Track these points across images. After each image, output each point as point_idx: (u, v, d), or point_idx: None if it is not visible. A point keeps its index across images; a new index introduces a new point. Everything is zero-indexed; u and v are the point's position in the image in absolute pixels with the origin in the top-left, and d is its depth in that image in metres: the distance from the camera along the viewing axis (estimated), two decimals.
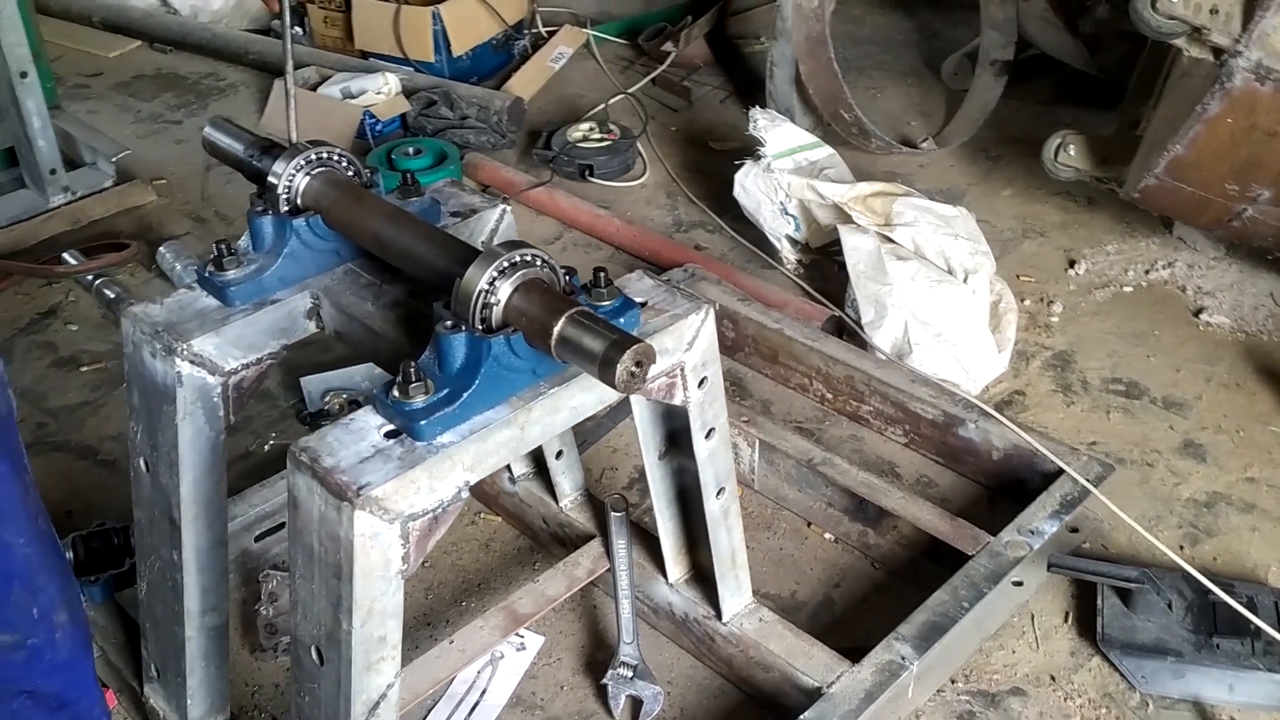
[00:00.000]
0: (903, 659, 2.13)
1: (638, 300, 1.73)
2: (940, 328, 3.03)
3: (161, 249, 3.61)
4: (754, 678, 2.24)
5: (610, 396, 1.69)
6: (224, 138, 1.95)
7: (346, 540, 1.45)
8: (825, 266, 3.56)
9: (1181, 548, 2.57)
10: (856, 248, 3.19)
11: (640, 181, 4.14)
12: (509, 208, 2.06)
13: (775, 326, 3.07)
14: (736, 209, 3.71)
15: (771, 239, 3.50)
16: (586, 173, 4.09)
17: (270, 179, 1.80)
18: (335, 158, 1.83)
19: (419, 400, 1.51)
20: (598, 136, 4.16)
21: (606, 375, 1.44)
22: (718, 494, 2.03)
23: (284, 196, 1.80)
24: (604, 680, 2.25)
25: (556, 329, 1.47)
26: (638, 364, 1.44)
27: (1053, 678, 2.30)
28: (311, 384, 3.03)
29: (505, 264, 1.53)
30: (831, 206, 3.37)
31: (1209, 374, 3.12)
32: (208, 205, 4.04)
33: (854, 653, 2.21)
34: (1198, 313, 3.35)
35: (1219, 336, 3.26)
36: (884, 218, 3.26)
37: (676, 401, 1.84)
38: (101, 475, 2.88)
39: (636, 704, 2.24)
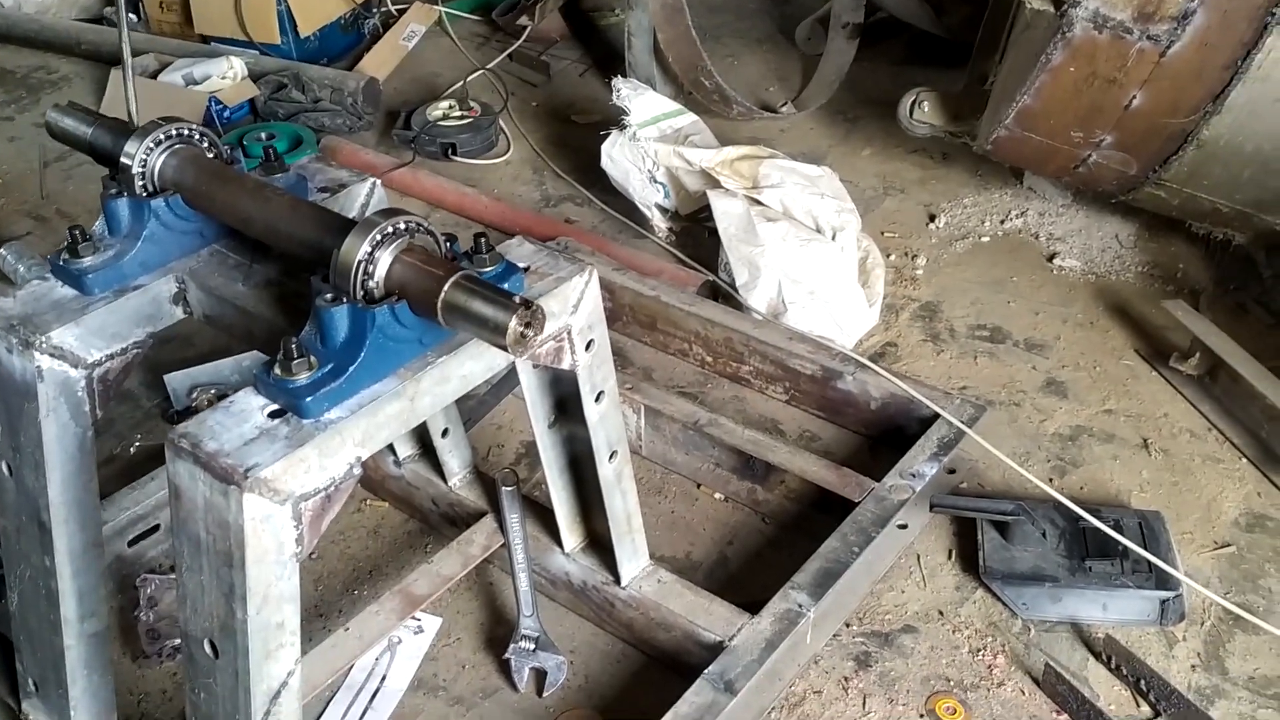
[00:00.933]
0: (799, 606, 2.17)
1: (520, 265, 1.71)
2: (813, 285, 3.08)
3: (2, 250, 3.41)
4: (655, 639, 2.25)
5: (499, 363, 1.66)
6: (70, 121, 1.86)
7: (236, 525, 1.40)
8: (696, 233, 3.58)
9: (1051, 480, 2.67)
10: (726, 211, 3.22)
11: (505, 158, 4.10)
12: (379, 181, 2.01)
13: (652, 294, 3.08)
14: (604, 181, 3.71)
15: (642, 208, 3.50)
16: (449, 151, 4.03)
17: (123, 160, 1.71)
18: (191, 134, 1.76)
19: (303, 377, 1.46)
20: (458, 115, 4.10)
21: (497, 338, 1.42)
22: (610, 457, 2.03)
23: (139, 177, 1.71)
24: (506, 655, 2.23)
25: (443, 295, 1.45)
26: (527, 325, 1.42)
27: (940, 613, 2.37)
28: (176, 380, 2.91)
29: (384, 232, 1.49)
30: (699, 172, 3.39)
31: (1065, 315, 3.25)
32: (48, 203, 3.84)
33: (753, 606, 2.24)
34: (1051, 258, 3.48)
35: (1072, 279, 3.40)
36: (751, 181, 3.30)
37: (565, 365, 1.82)
38: None
39: (540, 675, 2.23)
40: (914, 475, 2.47)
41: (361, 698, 2.20)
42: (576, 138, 4.15)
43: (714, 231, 3.55)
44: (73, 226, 1.69)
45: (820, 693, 2.21)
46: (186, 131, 1.75)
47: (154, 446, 2.85)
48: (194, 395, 2.88)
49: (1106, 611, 2.34)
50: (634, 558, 2.23)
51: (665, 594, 2.22)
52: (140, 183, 1.71)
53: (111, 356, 1.70)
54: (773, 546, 2.55)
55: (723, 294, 3.23)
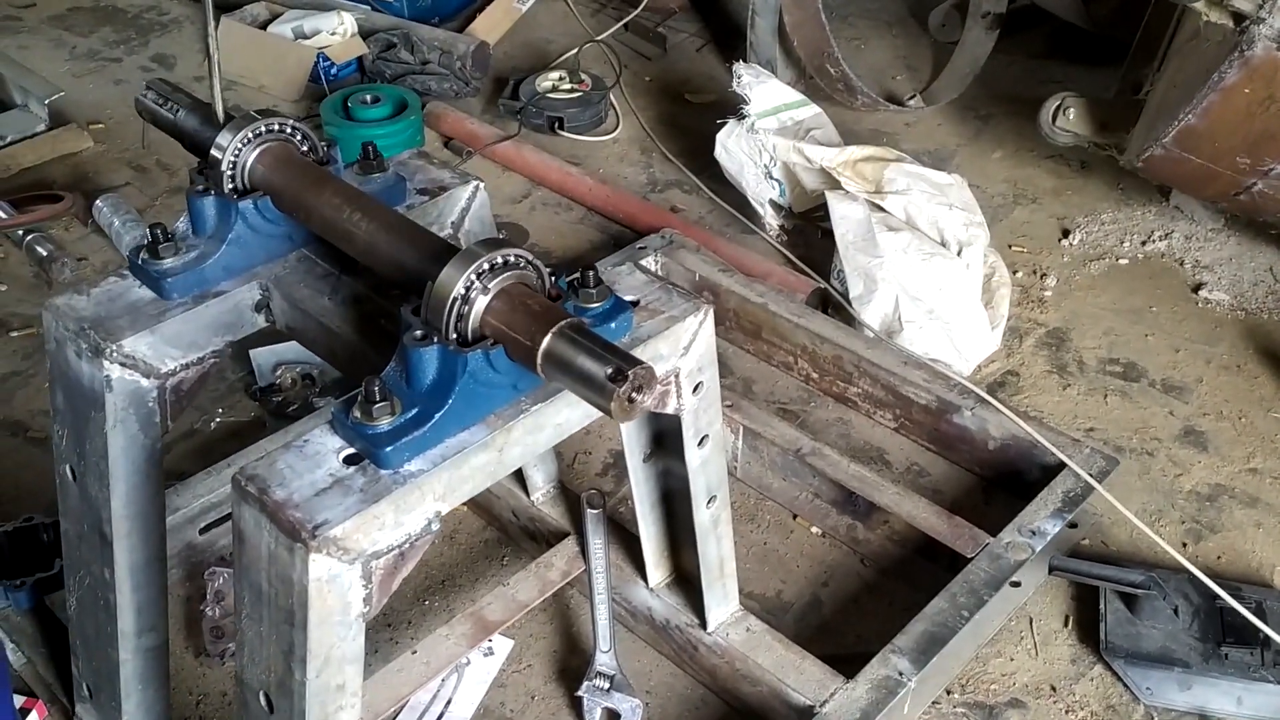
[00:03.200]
0: (900, 674, 1.99)
1: (629, 299, 1.55)
2: (932, 304, 2.86)
3: (98, 202, 3.35)
4: (740, 690, 2.09)
5: (598, 412, 1.50)
6: (156, 101, 1.73)
7: (300, 585, 1.27)
8: (809, 233, 3.38)
9: (1184, 545, 2.45)
10: (845, 216, 3.01)
11: (613, 136, 3.92)
12: (482, 184, 1.86)
13: (759, 300, 2.89)
14: (715, 167, 3.52)
15: (754, 204, 3.31)
16: (556, 125, 3.87)
17: (214, 153, 1.58)
18: (287, 129, 1.62)
19: (384, 423, 1.32)
20: (568, 87, 3.92)
21: (602, 401, 1.25)
22: (708, 503, 1.87)
23: (229, 175, 1.58)
24: (579, 692, 2.09)
25: (543, 346, 1.29)
26: (637, 390, 1.25)
27: (1053, 688, 2.17)
28: (261, 357, 2.82)
29: (484, 266, 1.33)
30: (818, 171, 3.18)
31: (1209, 355, 2.99)
32: (149, 153, 3.77)
33: (845, 661, 2.08)
34: (1196, 289, 3.21)
35: (1218, 314, 3.13)
36: (874, 184, 3.08)
37: (669, 410, 1.66)
38: (31, 454, 2.66)
39: (613, 717, 2.09)
40: (1034, 533, 2.26)
41: None
42: (689, 118, 3.95)
43: (828, 233, 3.34)
44: (154, 225, 1.57)
45: None
46: (281, 127, 1.60)
47: (235, 423, 2.76)
48: (278, 373, 2.79)
49: (1241, 706, 2.12)
50: (723, 602, 2.07)
51: (753, 645, 2.06)
52: (230, 182, 1.58)
53: (186, 366, 1.58)
54: (871, 592, 2.37)
55: (833, 304, 3.03)
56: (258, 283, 1.62)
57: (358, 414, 1.32)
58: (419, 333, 1.34)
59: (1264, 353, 2.99)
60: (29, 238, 3.22)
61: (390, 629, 2.28)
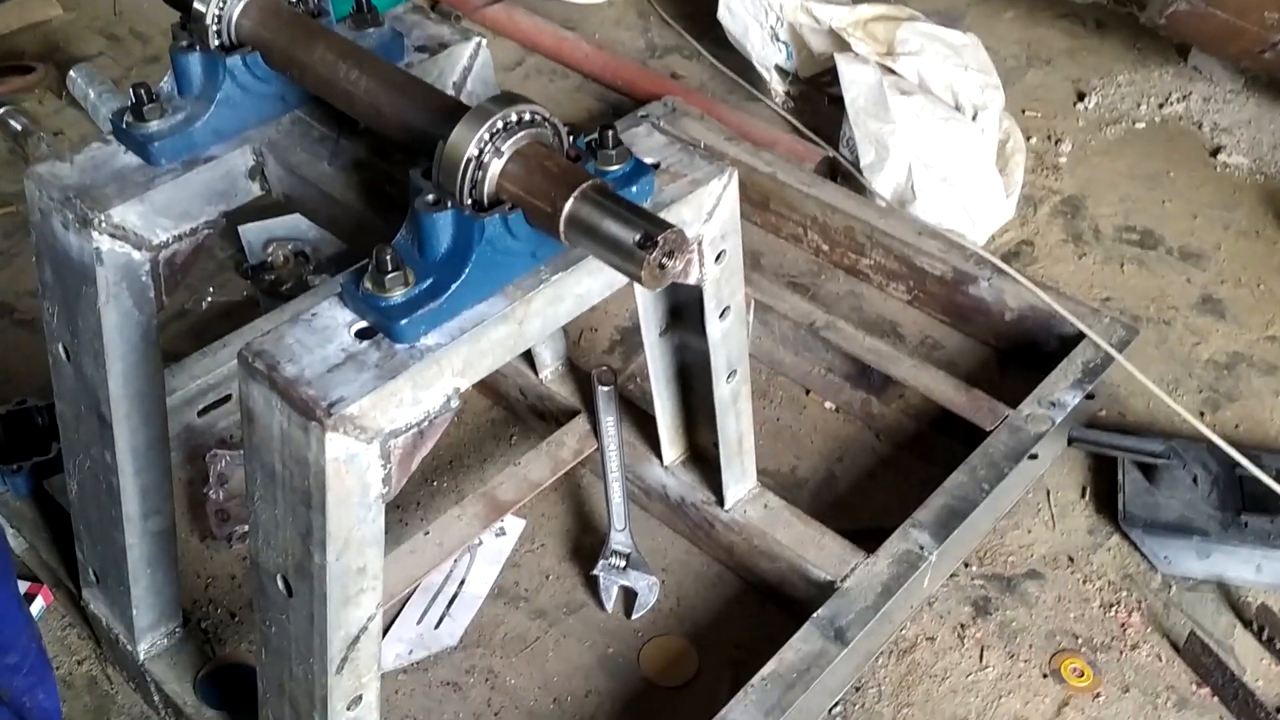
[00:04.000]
0: (921, 548, 1.96)
1: (649, 161, 1.45)
2: (946, 172, 2.77)
3: (72, 72, 3.20)
4: (757, 567, 2.06)
5: (622, 280, 1.42)
6: None
7: (317, 465, 1.20)
8: (815, 100, 3.26)
9: (1202, 414, 2.41)
10: (855, 80, 2.89)
11: None
12: (485, 41, 1.74)
13: (767, 170, 2.79)
14: (715, 32, 3.37)
15: (759, 68, 3.17)
16: None
17: (197, 5, 1.46)
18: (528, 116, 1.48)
19: (398, 294, 1.24)
20: None
21: (631, 268, 1.17)
22: (729, 377, 1.81)
23: (214, 29, 1.46)
24: (595, 571, 2.06)
25: (566, 209, 1.20)
26: (668, 255, 1.17)
27: (1070, 559, 2.15)
28: (252, 233, 2.72)
29: (499, 124, 1.23)
30: (827, 32, 3.04)
31: (1227, 221, 2.91)
32: (121, 20, 3.60)
33: (862, 535, 2.04)
34: (1215, 152, 3.11)
35: (1237, 179, 3.04)
36: (886, 46, 2.94)
37: (691, 280, 1.58)
38: (19, 337, 2.58)
39: (630, 595, 2.06)
40: (1053, 405, 2.21)
41: (439, 602, 2.06)
42: None
43: (835, 99, 3.22)
44: (137, 85, 1.45)
45: (933, 639, 2.03)
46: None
47: (228, 303, 2.68)
48: (269, 249, 2.69)
49: (1260, 574, 2.10)
50: (741, 480, 2.02)
51: (772, 521, 2.03)
52: (216, 38, 1.46)
53: (179, 238, 1.49)
54: (886, 467, 2.34)
55: (842, 173, 2.93)
56: (250, 147, 1.52)
57: (369, 285, 1.24)
58: (431, 197, 1.25)
59: None
60: (1, 111, 3.07)
61: (399, 510, 2.24)
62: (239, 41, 1.48)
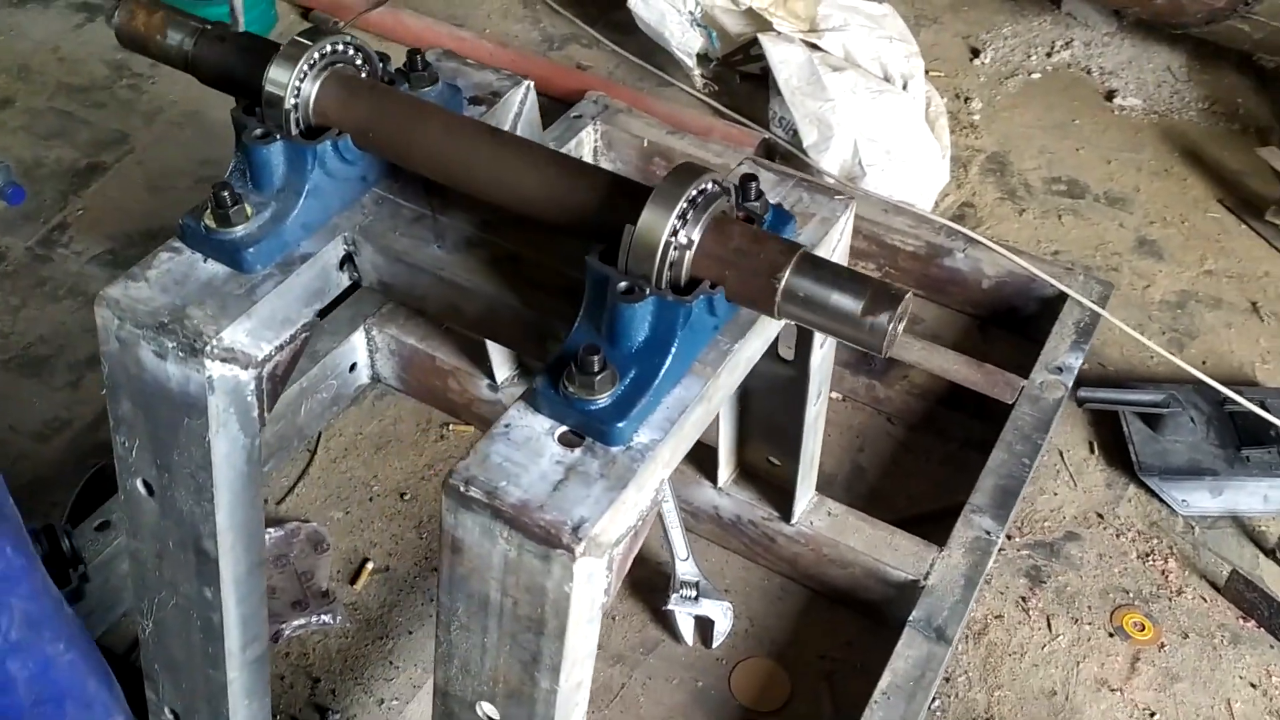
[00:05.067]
0: (988, 533, 2.00)
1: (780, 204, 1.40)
2: (889, 144, 2.80)
3: None
4: (826, 574, 2.06)
5: (774, 332, 1.37)
6: (154, 25, 1.41)
7: (558, 592, 1.11)
8: (728, 79, 3.23)
9: (1171, 355, 2.54)
10: (786, 60, 2.87)
11: None
12: (532, 84, 1.63)
13: (719, 162, 2.74)
14: (610, 16, 3.31)
15: (679, 55, 3.11)
16: None
17: (269, 89, 1.30)
18: (349, 49, 1.35)
19: (605, 396, 1.15)
20: None
21: (866, 338, 1.13)
22: (817, 399, 1.78)
23: (294, 114, 1.31)
24: (669, 605, 2.01)
25: (784, 284, 1.14)
26: (900, 319, 1.13)
27: (1100, 515, 2.25)
28: None
29: (691, 201, 1.16)
30: (745, 13, 3.01)
31: (1138, 163, 3.07)
32: None
33: (910, 524, 2.08)
34: (1109, 96, 3.27)
35: (1135, 120, 3.20)
36: (808, 22, 2.95)
37: (780, 320, 1.54)
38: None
39: (704, 623, 2.03)
40: (1061, 369, 2.29)
41: None
42: None
43: (748, 77, 3.22)
44: (219, 185, 1.29)
45: (1001, 617, 2.08)
46: (338, 46, 1.34)
47: None
48: None
49: (1268, 503, 2.26)
50: (807, 492, 2.01)
51: (840, 529, 2.03)
52: (297, 124, 1.31)
53: (280, 348, 1.34)
54: (906, 450, 2.37)
55: (781, 154, 2.92)
56: (341, 237, 1.38)
57: (574, 389, 1.15)
58: (623, 285, 1.16)
59: (1186, 154, 3.09)
60: None
61: (436, 572, 2.11)
62: (319, 123, 1.33)
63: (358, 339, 2.33)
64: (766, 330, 1.33)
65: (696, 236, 1.17)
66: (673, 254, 1.15)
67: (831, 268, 1.16)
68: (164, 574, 1.47)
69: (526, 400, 1.19)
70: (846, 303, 1.13)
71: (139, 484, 1.40)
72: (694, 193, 1.16)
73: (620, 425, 1.15)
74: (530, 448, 1.15)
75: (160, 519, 1.41)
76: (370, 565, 2.13)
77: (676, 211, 1.14)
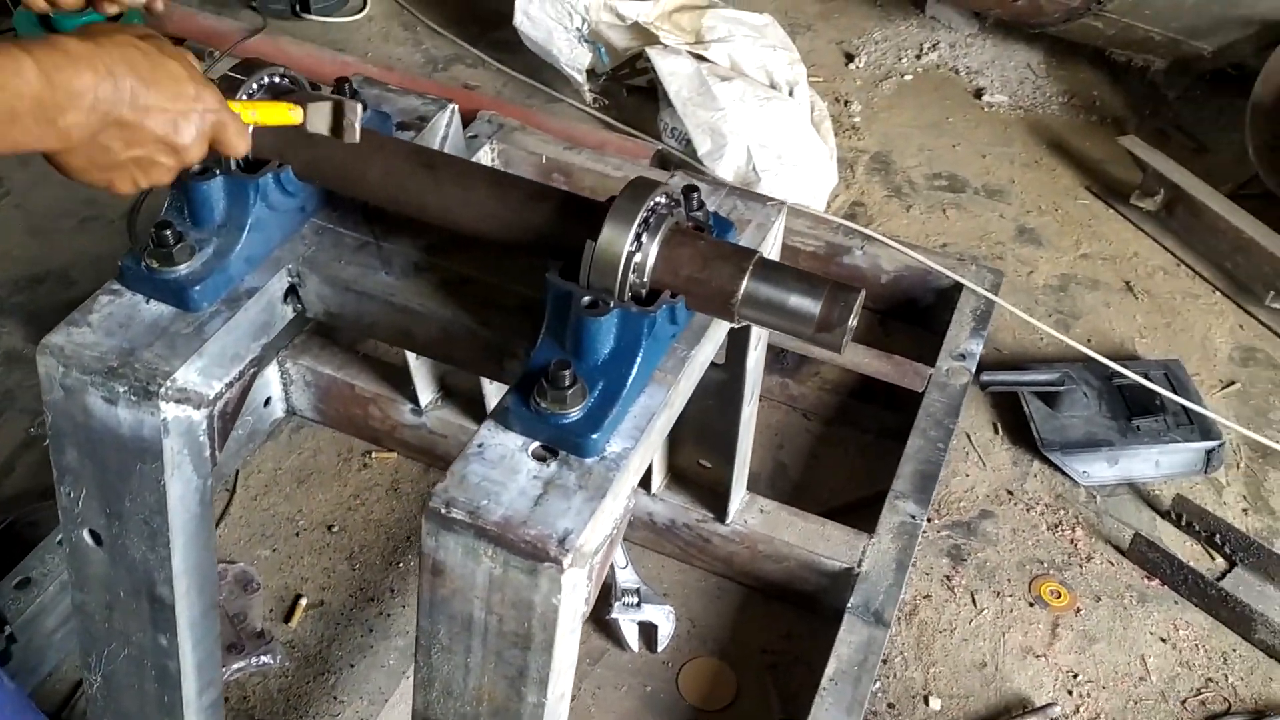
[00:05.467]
0: (913, 516, 2.08)
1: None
2: (780, 149, 2.88)
3: None
4: (761, 570, 2.11)
5: (723, 334, 1.42)
6: None
7: (546, 605, 1.13)
8: (614, 93, 3.27)
9: (1060, 336, 2.68)
10: (674, 72, 2.93)
11: (365, 14, 3.57)
12: (456, 107, 1.64)
13: (619, 174, 2.78)
14: (492, 35, 3.33)
15: (569, 71, 3.14)
16: (299, 8, 3.45)
17: None
18: (285, 80, 1.35)
19: (576, 410, 1.17)
20: None
21: (828, 338, 1.18)
22: (750, 399, 1.83)
23: None
24: (612, 614, 2.03)
25: (743, 290, 1.18)
26: (853, 315, 1.19)
27: (1009, 492, 2.36)
28: None
29: (647, 217, 1.19)
30: (631, 27, 3.06)
31: (1010, 156, 3.22)
32: None
33: (837, 515, 2.15)
34: (978, 94, 3.43)
35: (1004, 116, 3.36)
36: (694, 34, 3.01)
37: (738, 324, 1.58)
38: None
39: (648, 628, 2.05)
40: (964, 356, 2.40)
41: None
42: None
43: (635, 90, 3.27)
44: (160, 224, 1.26)
45: (929, 597, 2.17)
46: (275, 77, 1.33)
47: None
48: None
49: (1159, 468, 2.40)
50: (739, 491, 2.06)
51: (774, 524, 2.08)
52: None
53: (230, 385, 1.32)
54: (825, 444, 2.44)
55: (675, 164, 2.98)
56: (285, 269, 1.37)
57: (546, 404, 1.17)
58: (588, 300, 1.19)
59: (1053, 146, 3.26)
60: None
61: (375, 603, 2.10)
62: (257, 155, 1.32)
63: (271, 372, 2.29)
64: (717, 334, 1.38)
65: (655, 248, 1.20)
66: (634, 266, 1.19)
67: (786, 270, 1.21)
68: (114, 625, 1.43)
69: (496, 419, 1.20)
70: (805, 304, 1.18)
71: (85, 535, 1.36)
72: (650, 206, 1.20)
73: (594, 436, 1.17)
74: (506, 465, 1.17)
75: (110, 568, 1.38)
76: (304, 601, 2.10)
77: (635, 225, 1.18)
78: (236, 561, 2.13)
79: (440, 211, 1.29)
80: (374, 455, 2.33)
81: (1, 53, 0.89)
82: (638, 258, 1.18)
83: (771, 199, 1.53)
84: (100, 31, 1.04)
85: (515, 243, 1.27)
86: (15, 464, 2.27)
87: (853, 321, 1.19)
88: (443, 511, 1.13)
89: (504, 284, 1.34)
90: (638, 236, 1.18)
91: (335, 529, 2.21)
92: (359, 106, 1.22)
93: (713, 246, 1.21)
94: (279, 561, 2.16)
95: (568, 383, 1.16)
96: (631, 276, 1.19)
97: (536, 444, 1.19)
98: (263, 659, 1.98)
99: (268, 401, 2.32)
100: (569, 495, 1.15)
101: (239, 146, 1.14)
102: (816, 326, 1.18)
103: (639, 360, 1.20)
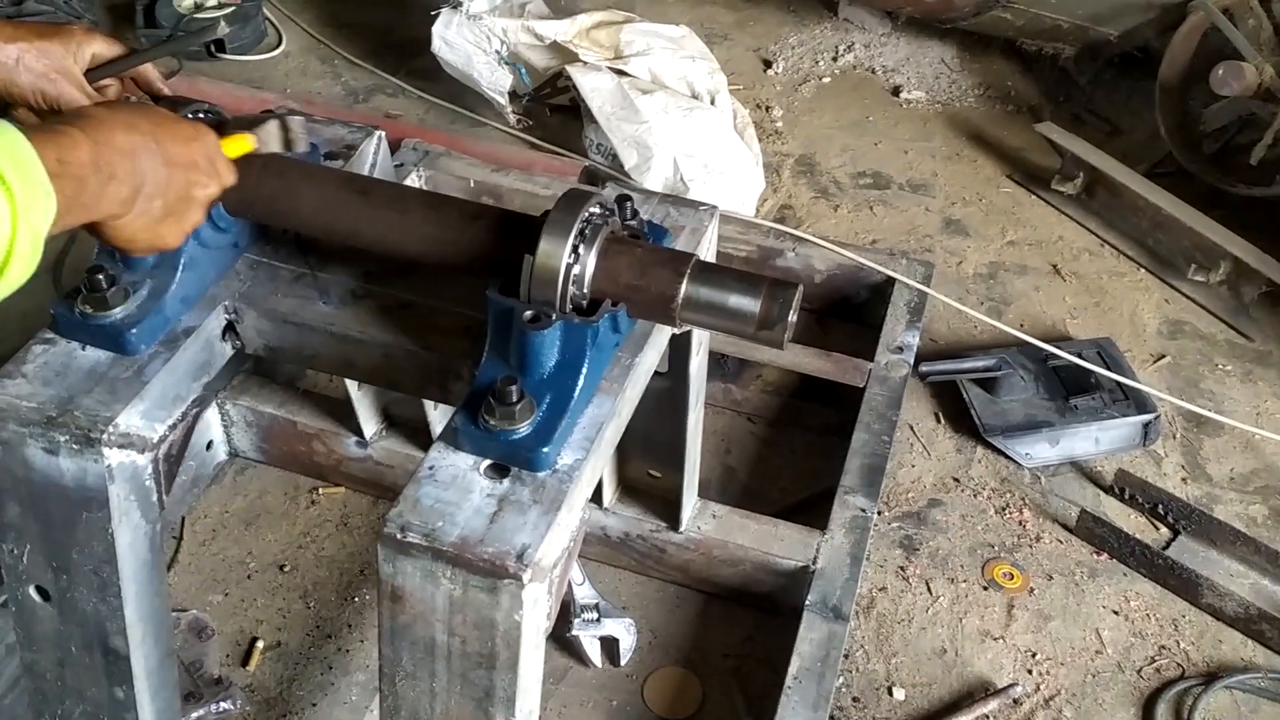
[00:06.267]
0: (863, 510, 2.11)
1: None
2: (706, 158, 2.91)
3: None
4: (717, 576, 2.12)
5: (665, 341, 1.43)
6: None
7: (509, 623, 1.13)
8: (537, 113, 3.28)
9: (993, 322, 2.73)
10: (596, 88, 2.95)
11: (281, 50, 3.54)
12: (383, 134, 1.64)
13: (548, 193, 2.78)
14: (411, 64, 3.33)
15: (490, 94, 3.14)
16: (215, 49, 3.42)
17: None
18: (211, 114, 1.34)
19: (525, 425, 1.17)
20: (215, 3, 3.46)
21: (770, 335, 1.19)
22: (695, 405, 1.84)
23: None
24: (573, 632, 2.03)
25: (682, 293, 1.19)
26: (793, 310, 1.21)
27: (956, 479, 2.40)
28: None
29: (582, 228, 1.20)
30: (550, 46, 3.07)
31: (931, 150, 3.28)
32: None
33: (789, 514, 2.17)
34: (896, 92, 3.49)
35: (922, 111, 3.43)
36: (613, 50, 3.03)
37: (680, 329, 1.60)
38: None
39: (609, 643, 2.05)
40: (901, 349, 2.43)
41: None
42: (356, 14, 3.65)
43: (557, 109, 3.28)
44: (92, 269, 1.25)
45: (885, 589, 2.19)
46: (202, 115, 1.32)
47: None
48: None
49: (1099, 445, 2.45)
50: (690, 498, 2.07)
51: (728, 529, 2.09)
52: None
53: (173, 427, 1.30)
54: (770, 446, 2.46)
55: (603, 178, 2.99)
56: (221, 306, 1.35)
57: (494, 420, 1.17)
58: (529, 314, 1.19)
59: (972, 137, 3.33)
60: None
61: (333, 640, 2.07)
62: None
63: (212, 415, 2.25)
64: (660, 341, 1.39)
65: (593, 259, 1.21)
66: (573, 278, 1.19)
67: (724, 271, 1.22)
68: (68, 682, 1.40)
69: (446, 440, 1.20)
70: (744, 302, 1.19)
71: (32, 591, 1.33)
72: (585, 217, 1.20)
73: (545, 450, 1.17)
74: (459, 485, 1.16)
75: (60, 624, 1.35)
76: (261, 644, 2.06)
77: (572, 237, 1.18)
78: (189, 609, 2.09)
79: (376, 237, 1.29)
80: (321, 491, 2.31)
81: (57, 133, 1.00)
82: (576, 269, 1.19)
83: (704, 204, 1.55)
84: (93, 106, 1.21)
85: (453, 263, 1.27)
86: None
87: (793, 316, 1.20)
88: (398, 536, 1.12)
89: (444, 307, 1.34)
90: (575, 248, 1.19)
91: (287, 568, 2.18)
92: (300, 119, 1.23)
93: (650, 253, 1.22)
94: (232, 605, 2.13)
95: (515, 398, 1.16)
96: (571, 288, 1.19)
97: (488, 462, 1.19)
98: (223, 705, 1.95)
99: (210, 445, 2.28)
100: (524, 510, 1.15)
101: (231, 176, 1.22)
102: (758, 324, 1.19)
103: (584, 371, 1.21)
